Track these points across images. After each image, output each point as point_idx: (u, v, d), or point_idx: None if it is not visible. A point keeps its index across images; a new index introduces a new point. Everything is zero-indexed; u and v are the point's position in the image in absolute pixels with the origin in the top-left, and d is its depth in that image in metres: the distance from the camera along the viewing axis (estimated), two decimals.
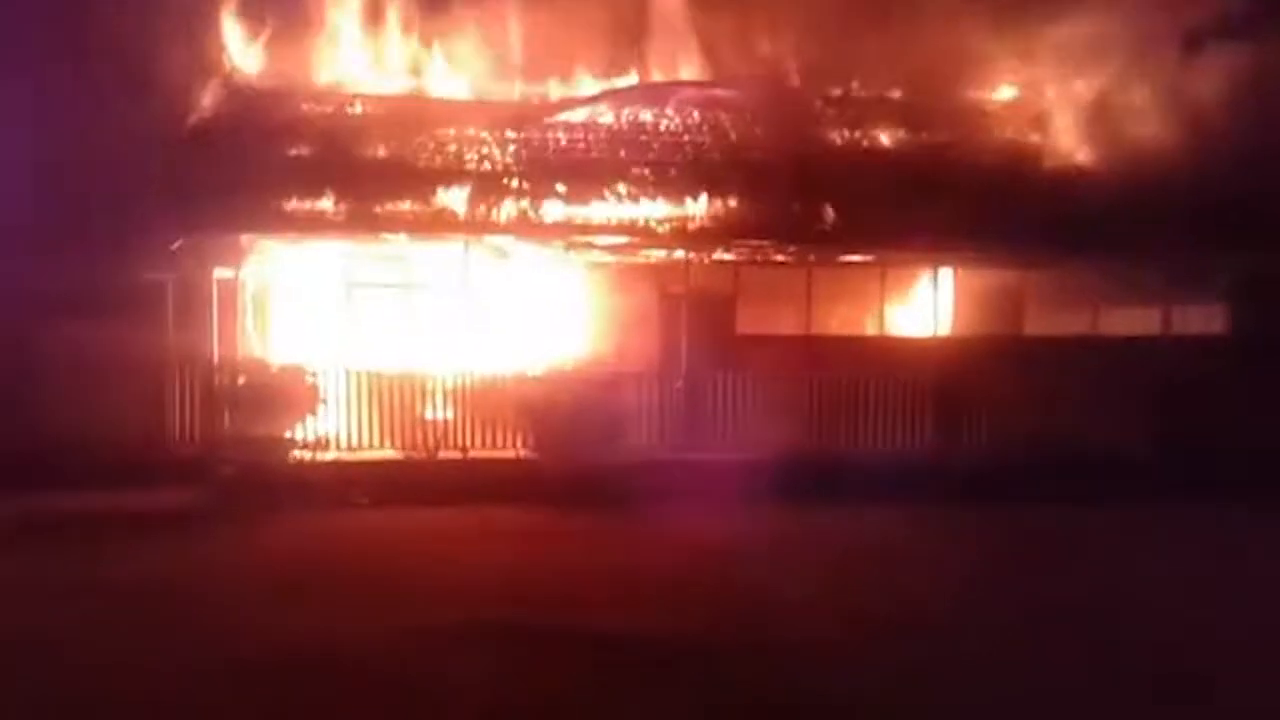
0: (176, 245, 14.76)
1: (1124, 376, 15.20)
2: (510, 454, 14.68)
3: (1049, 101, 18.03)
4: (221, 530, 12.22)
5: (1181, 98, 16.42)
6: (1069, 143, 17.59)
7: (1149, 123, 16.93)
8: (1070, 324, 16.51)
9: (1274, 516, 12.76)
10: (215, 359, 14.72)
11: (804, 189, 15.94)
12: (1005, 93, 18.53)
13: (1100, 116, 17.61)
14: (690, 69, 18.85)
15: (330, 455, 14.29)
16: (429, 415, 14.74)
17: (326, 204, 15.05)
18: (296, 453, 14.02)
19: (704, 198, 15.84)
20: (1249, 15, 16.13)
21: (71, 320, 14.56)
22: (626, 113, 17.39)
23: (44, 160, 14.42)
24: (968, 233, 15.11)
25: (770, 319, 16.32)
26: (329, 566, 10.54)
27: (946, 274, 16.59)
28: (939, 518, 12.83)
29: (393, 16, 18.44)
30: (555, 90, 18.03)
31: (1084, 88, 17.62)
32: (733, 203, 15.84)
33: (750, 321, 16.06)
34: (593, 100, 17.58)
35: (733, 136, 17.25)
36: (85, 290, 14.85)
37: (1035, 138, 17.64)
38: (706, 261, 15.91)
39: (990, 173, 16.36)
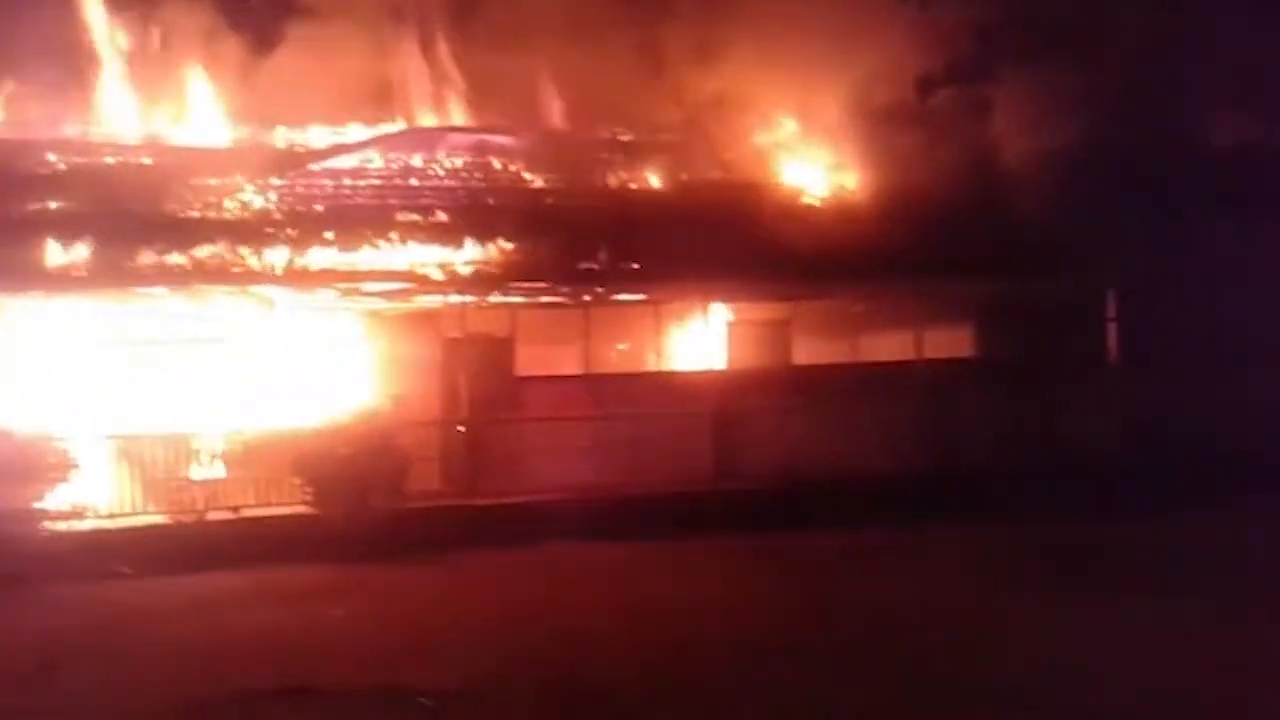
0: None
1: (884, 399, 16.10)
2: (287, 510, 14.16)
3: (807, 141, 18.97)
4: None
5: (924, 134, 17.61)
6: (826, 180, 18.55)
7: (899, 161, 18.06)
8: (833, 352, 17.31)
9: (1014, 531, 13.55)
10: None
11: (576, 230, 16.19)
12: (766, 134, 19.29)
13: (855, 154, 18.67)
14: (460, 115, 18.93)
15: (89, 524, 13.45)
16: (196, 475, 14.07)
17: (79, 258, 14.29)
18: (48, 524, 13.10)
19: (478, 242, 15.85)
20: (986, 55, 17.41)
21: None
22: (395, 159, 17.23)
23: None
24: (734, 268, 15.67)
25: (551, 359, 16.42)
26: (87, 642, 9.85)
27: (720, 309, 17.11)
28: (720, 550, 13.15)
29: (151, 64, 17.81)
30: (321, 137, 17.71)
31: (838, 128, 18.63)
32: (507, 246, 15.93)
33: (531, 363, 16.10)
34: (360, 146, 17.36)
35: (505, 181, 17.36)
36: None
37: (795, 176, 18.50)
38: (483, 305, 15.89)
39: (754, 210, 17.05)
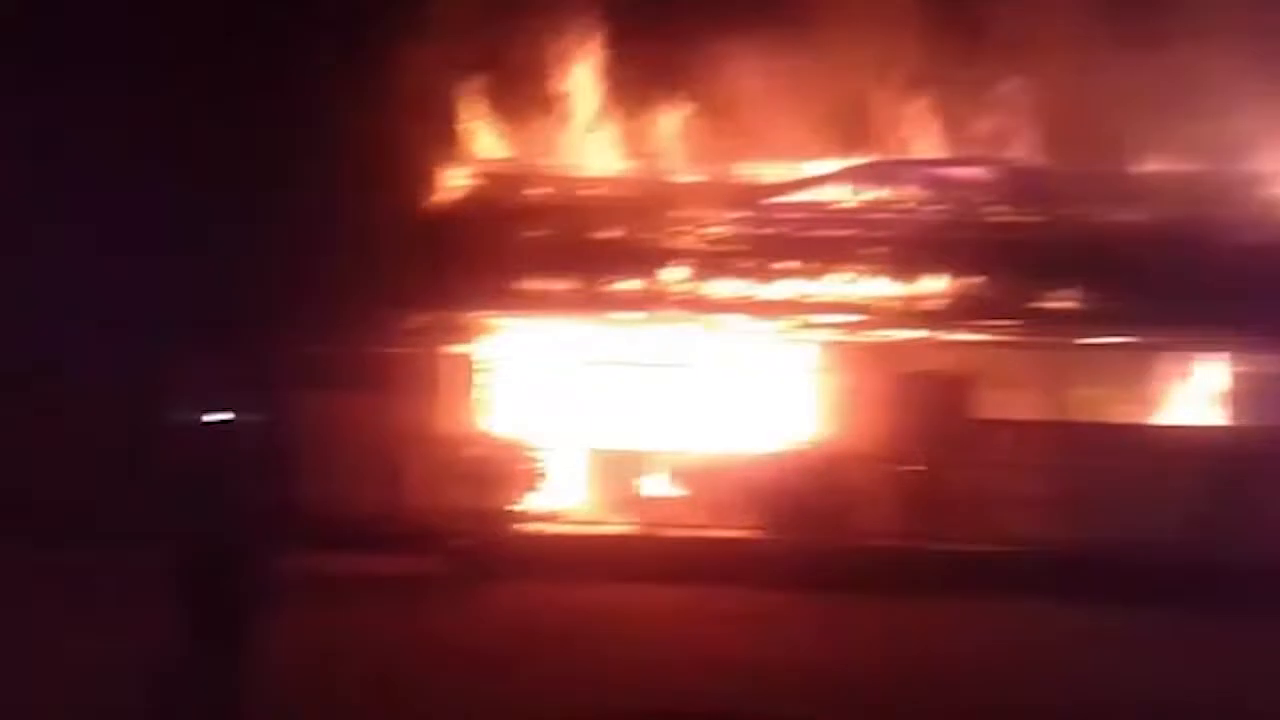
0: (413, 323, 15.28)
1: None
2: (740, 533, 14.19)
3: None
4: None
5: None
6: None
7: None
8: None
9: None
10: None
11: (1046, 267, 15.13)
12: None
13: None
14: (929, 147, 18.31)
15: (558, 528, 14.34)
16: (651, 491, 14.60)
17: (555, 284, 15.37)
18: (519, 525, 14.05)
19: (939, 276, 15.26)
20: None
21: None
22: (860, 190, 16.98)
23: None
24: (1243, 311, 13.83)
25: (1010, 402, 15.33)
26: (557, 636, 10.25)
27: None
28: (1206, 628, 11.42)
29: (621, 97, 18.69)
30: (786, 171, 17.84)
31: None
32: (970, 281, 15.22)
33: (988, 404, 15.09)
34: (825, 180, 17.26)
35: (972, 215, 16.50)
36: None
37: None
38: (940, 342, 15.21)
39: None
